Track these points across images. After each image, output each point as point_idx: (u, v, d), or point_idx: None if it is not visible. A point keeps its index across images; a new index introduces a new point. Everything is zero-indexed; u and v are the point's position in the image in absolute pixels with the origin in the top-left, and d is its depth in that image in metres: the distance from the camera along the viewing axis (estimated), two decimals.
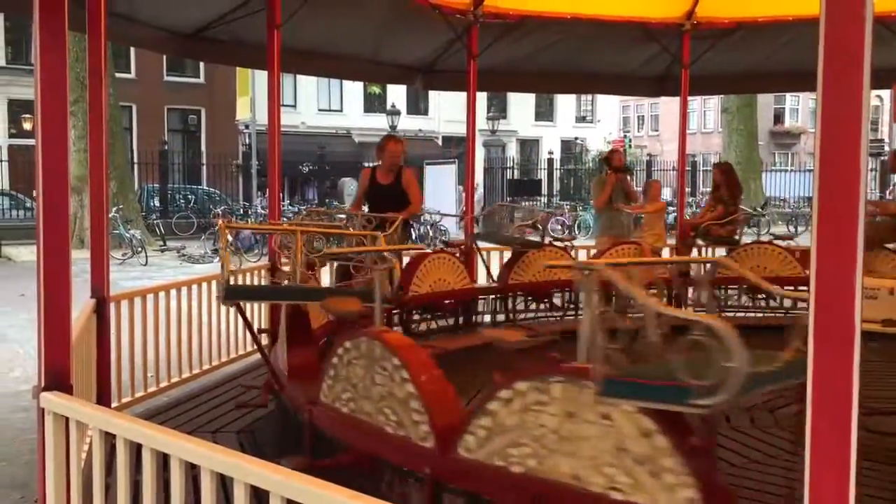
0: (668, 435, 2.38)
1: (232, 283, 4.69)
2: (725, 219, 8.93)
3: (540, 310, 7.88)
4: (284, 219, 9.67)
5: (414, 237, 19.31)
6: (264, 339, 5.97)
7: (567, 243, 8.79)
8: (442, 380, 3.27)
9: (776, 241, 8.87)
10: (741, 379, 2.13)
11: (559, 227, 25.20)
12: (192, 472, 2.45)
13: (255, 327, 5.68)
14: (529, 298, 7.90)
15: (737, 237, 9.13)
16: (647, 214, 8.97)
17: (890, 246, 7.35)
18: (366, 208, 7.26)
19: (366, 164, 23.57)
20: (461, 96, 9.27)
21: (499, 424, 2.83)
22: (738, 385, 2.14)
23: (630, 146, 39.45)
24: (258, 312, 6.82)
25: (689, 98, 9.96)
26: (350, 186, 27.66)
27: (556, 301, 8.02)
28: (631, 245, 8.05)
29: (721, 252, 9.02)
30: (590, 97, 45.17)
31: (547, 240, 8.26)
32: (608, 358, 2.44)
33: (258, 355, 6.85)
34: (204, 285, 6.70)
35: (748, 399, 2.62)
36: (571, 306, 7.88)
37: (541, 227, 8.43)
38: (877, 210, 7.96)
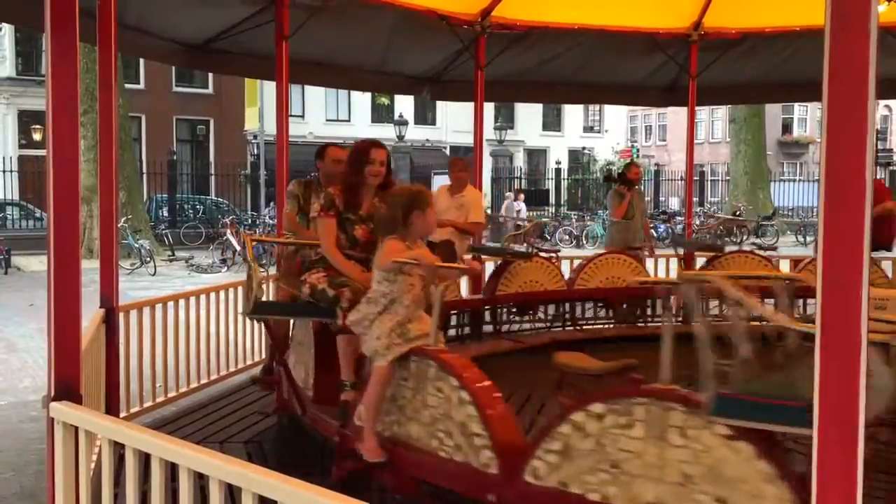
0: (769, 459, 2.16)
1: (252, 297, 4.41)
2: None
3: (527, 321, 7.75)
4: None
5: None
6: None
7: (553, 254, 8.81)
8: (502, 402, 3.09)
9: (757, 252, 8.99)
10: (886, 398, 1.93)
11: (567, 237, 25.27)
12: (200, 482, 2.45)
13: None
14: (516, 309, 7.72)
15: None
16: None
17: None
18: None
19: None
20: (469, 106, 9.27)
21: (572, 449, 2.65)
22: (882, 405, 1.94)
23: (637, 156, 39.41)
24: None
25: (697, 108, 9.95)
26: None
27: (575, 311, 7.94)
28: (619, 254, 8.07)
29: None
30: (597, 107, 45.16)
31: (533, 250, 8.26)
32: (719, 374, 2.20)
33: (264, 365, 6.87)
34: (212, 295, 6.72)
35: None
36: (565, 317, 7.84)
37: (530, 237, 8.41)
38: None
